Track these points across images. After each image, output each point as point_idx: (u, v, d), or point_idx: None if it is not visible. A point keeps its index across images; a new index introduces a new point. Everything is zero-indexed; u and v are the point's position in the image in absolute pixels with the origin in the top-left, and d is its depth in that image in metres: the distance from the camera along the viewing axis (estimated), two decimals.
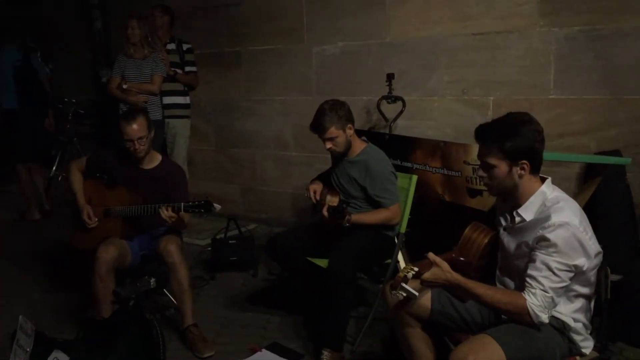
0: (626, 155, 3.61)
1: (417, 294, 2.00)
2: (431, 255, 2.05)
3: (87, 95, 6.85)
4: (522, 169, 2.05)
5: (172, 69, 4.96)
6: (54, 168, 6.48)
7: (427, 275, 2.02)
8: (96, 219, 3.28)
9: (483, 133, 2.11)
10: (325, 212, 3.00)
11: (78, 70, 6.98)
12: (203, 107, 5.65)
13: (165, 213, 3.03)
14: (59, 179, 6.42)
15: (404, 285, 1.99)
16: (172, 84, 4.98)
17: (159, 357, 2.09)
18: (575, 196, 3.53)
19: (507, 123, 2.07)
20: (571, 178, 3.91)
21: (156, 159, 3.38)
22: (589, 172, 3.81)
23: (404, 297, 2.02)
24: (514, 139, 2.02)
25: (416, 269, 2.04)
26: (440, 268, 2.03)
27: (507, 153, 2.04)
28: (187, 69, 5.11)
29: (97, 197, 3.35)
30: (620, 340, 3.00)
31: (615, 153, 3.66)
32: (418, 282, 2.06)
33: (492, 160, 2.07)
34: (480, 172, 2.15)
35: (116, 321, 2.30)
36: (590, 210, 2.98)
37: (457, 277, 2.04)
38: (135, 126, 3.15)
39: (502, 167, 2.06)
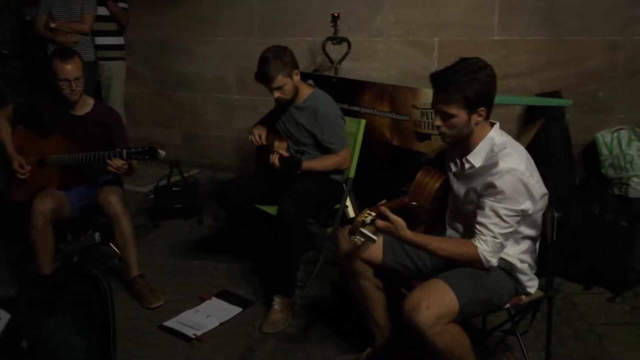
0: (565, 96, 3.70)
1: (376, 238, 1.98)
2: (385, 210, 2.00)
3: (11, 35, 6.37)
4: (480, 115, 2.01)
5: None
6: None
7: (381, 224, 2.01)
8: (29, 168, 3.11)
9: (442, 81, 2.00)
10: (276, 161, 2.94)
11: None
12: (139, 48, 5.35)
13: (115, 164, 2.89)
14: None
15: (362, 230, 1.97)
16: (104, 23, 4.73)
17: (108, 312, 2.03)
18: (517, 137, 3.62)
19: (465, 70, 1.98)
20: (512, 120, 3.98)
21: (88, 104, 3.20)
22: (530, 112, 3.88)
23: (362, 241, 2.01)
24: (474, 86, 1.95)
25: (373, 213, 2.02)
26: (395, 225, 1.99)
27: (469, 101, 1.97)
28: (119, 5, 4.83)
29: (30, 147, 3.16)
30: (558, 276, 3.13)
31: (556, 94, 3.74)
32: (374, 227, 2.04)
33: (453, 110, 1.99)
34: (438, 122, 2.06)
35: (60, 278, 2.21)
36: (532, 150, 3.05)
37: (409, 236, 2.01)
38: (70, 66, 2.97)
39: (461, 115, 2.00)
